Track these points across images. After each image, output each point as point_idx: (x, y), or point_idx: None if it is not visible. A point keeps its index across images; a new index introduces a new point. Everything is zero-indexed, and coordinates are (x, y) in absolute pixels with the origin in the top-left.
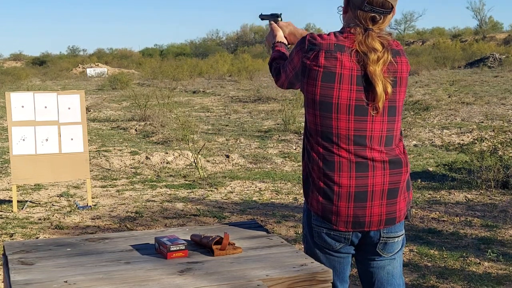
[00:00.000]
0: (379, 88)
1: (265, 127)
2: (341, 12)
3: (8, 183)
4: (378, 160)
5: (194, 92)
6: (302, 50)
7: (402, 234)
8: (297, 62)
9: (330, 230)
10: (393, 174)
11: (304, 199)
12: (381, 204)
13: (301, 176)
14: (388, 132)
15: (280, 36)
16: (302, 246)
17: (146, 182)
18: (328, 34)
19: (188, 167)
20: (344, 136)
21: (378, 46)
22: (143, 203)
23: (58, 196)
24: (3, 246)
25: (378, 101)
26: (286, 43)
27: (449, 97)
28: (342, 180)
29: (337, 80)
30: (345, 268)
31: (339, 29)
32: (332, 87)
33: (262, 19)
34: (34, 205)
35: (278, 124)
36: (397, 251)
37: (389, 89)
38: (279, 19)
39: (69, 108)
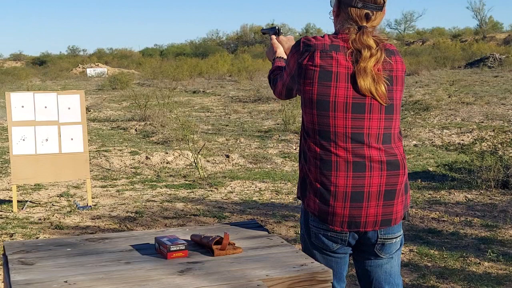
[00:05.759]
0: (364, 83)
1: (265, 127)
2: (333, 17)
3: (8, 183)
4: (376, 160)
5: (194, 92)
6: (298, 52)
7: (400, 235)
8: (293, 65)
9: (327, 231)
10: (390, 176)
11: (300, 200)
12: (377, 205)
13: None
14: (385, 129)
15: (280, 51)
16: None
17: (146, 182)
18: (322, 36)
19: (188, 167)
20: (341, 134)
21: (372, 43)
22: (143, 203)
23: (58, 196)
24: (3, 246)
25: (366, 93)
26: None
27: (449, 97)
28: (339, 180)
29: (334, 78)
30: (342, 268)
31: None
32: (329, 86)
33: (263, 33)
34: (34, 205)
35: (278, 124)
36: (395, 251)
37: (383, 87)
38: (281, 32)
39: (69, 108)
